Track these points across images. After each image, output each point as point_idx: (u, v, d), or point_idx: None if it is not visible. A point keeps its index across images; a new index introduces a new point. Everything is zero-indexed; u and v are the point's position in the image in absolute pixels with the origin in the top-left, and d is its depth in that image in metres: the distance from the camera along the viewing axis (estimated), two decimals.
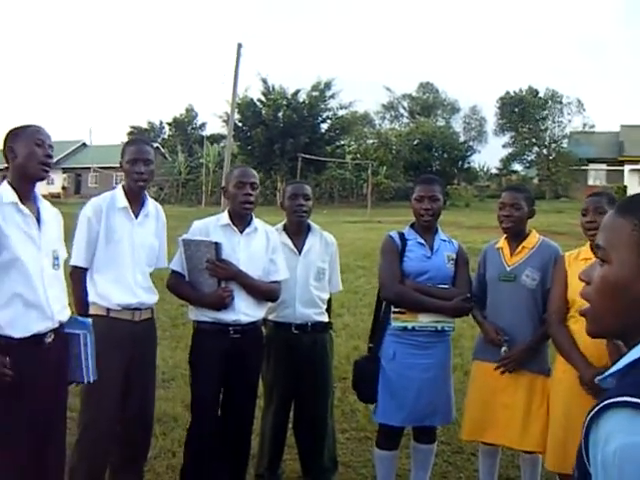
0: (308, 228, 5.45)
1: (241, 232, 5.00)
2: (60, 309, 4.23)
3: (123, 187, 4.93)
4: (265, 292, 5.06)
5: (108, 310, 4.70)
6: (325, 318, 5.45)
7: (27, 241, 4.06)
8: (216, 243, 4.83)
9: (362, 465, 5.87)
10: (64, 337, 4.27)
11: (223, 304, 4.83)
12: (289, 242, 5.37)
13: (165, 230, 5.15)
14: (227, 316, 4.86)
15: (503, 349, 4.77)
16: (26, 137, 4.13)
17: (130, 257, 4.79)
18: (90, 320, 4.48)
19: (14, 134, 4.18)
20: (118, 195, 4.87)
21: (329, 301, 5.59)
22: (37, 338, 4.03)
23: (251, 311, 4.96)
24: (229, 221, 5.00)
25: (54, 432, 4.25)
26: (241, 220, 5.03)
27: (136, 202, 4.89)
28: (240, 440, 5.12)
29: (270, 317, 5.38)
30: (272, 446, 5.45)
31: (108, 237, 4.75)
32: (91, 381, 4.39)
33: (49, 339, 4.12)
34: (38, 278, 4.07)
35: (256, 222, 5.11)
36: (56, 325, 4.17)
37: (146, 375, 4.93)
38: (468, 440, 5.34)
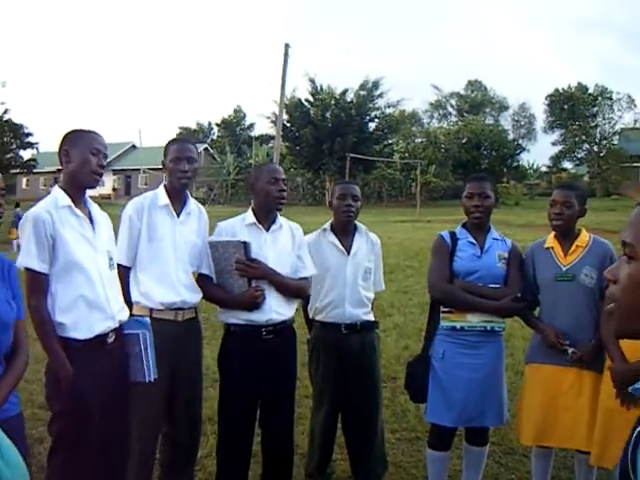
0: (355, 228, 5.43)
1: (267, 230, 4.96)
2: (119, 309, 4.29)
3: (165, 186, 4.93)
4: (295, 289, 5.03)
5: (151, 310, 4.69)
6: (372, 317, 5.44)
7: (84, 243, 4.12)
8: (245, 242, 4.78)
9: (413, 465, 5.84)
10: (123, 338, 4.32)
11: (255, 304, 4.78)
12: (337, 242, 5.36)
13: (207, 230, 5.12)
14: (259, 316, 4.81)
15: (571, 350, 4.68)
16: (83, 144, 4.16)
17: (173, 255, 4.79)
18: (148, 319, 4.50)
19: (72, 138, 4.21)
20: (160, 193, 4.89)
21: (373, 302, 5.56)
22: (100, 339, 4.09)
23: (282, 309, 4.92)
24: (254, 220, 4.95)
25: (118, 433, 4.29)
26: (266, 218, 4.98)
27: (178, 200, 4.90)
28: (281, 442, 5.08)
29: (318, 317, 5.40)
30: (322, 446, 5.44)
31: (150, 235, 4.76)
32: (152, 380, 4.41)
33: (110, 339, 4.17)
34: (97, 279, 4.13)
35: (280, 219, 5.07)
36: (117, 325, 4.22)
37: (192, 376, 4.92)
38: (528, 445, 5.27)
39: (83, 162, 4.13)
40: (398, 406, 7.13)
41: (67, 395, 3.96)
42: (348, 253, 5.33)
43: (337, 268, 5.31)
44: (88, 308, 4.05)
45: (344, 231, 5.40)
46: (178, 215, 4.86)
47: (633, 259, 1.52)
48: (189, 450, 5.01)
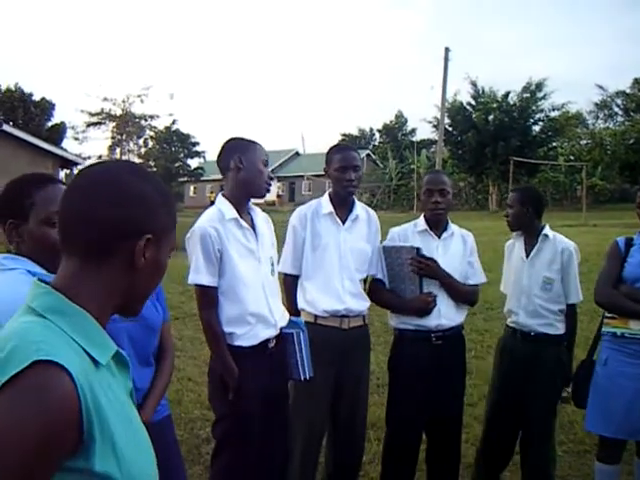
0: (539, 234, 5.24)
1: (439, 237, 4.98)
2: (280, 316, 4.38)
3: (329, 194, 4.96)
4: (466, 294, 5.03)
5: (316, 317, 4.74)
6: (554, 330, 5.16)
7: (249, 256, 4.23)
8: (417, 248, 4.82)
9: None
10: (281, 339, 4.39)
11: (427, 309, 4.79)
12: (522, 248, 5.29)
13: (379, 235, 5.12)
14: (429, 321, 4.83)
15: None
16: (254, 154, 4.27)
17: (337, 263, 4.80)
18: (302, 319, 4.59)
19: (241, 146, 4.31)
20: (324, 202, 4.92)
21: (572, 314, 5.25)
22: (262, 344, 4.21)
23: (452, 315, 4.93)
24: (426, 227, 4.98)
25: (279, 434, 4.37)
26: (437, 225, 5.00)
27: (343, 208, 4.91)
28: (448, 451, 5.05)
29: (507, 322, 5.38)
30: (493, 458, 5.38)
31: (314, 244, 4.80)
32: (307, 378, 4.46)
33: (272, 344, 4.27)
34: (261, 291, 4.24)
35: (452, 227, 5.08)
36: (278, 332, 4.32)
37: (357, 384, 4.90)
38: None
39: (257, 171, 4.24)
40: (565, 417, 6.91)
41: (232, 398, 4.05)
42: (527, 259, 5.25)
43: (516, 274, 5.27)
44: (253, 320, 4.18)
45: (529, 238, 5.28)
46: (343, 222, 4.87)
47: None
48: (351, 459, 4.99)
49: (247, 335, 4.17)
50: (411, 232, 5.03)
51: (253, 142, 4.36)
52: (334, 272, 4.79)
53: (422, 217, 5.08)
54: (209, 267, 4.09)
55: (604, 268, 4.89)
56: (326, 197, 4.96)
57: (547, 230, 5.26)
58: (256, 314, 4.19)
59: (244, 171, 4.23)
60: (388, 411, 5.13)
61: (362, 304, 4.90)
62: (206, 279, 4.12)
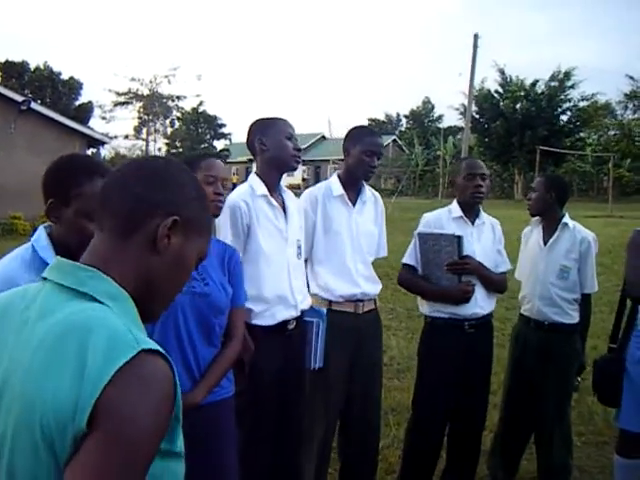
0: (559, 223, 5.26)
1: (472, 224, 4.96)
2: (302, 298, 4.35)
3: (339, 175, 4.89)
4: (498, 283, 5.03)
5: (330, 302, 4.68)
6: (568, 319, 5.19)
7: (276, 235, 4.20)
8: (458, 237, 4.78)
9: (598, 471, 5.66)
10: (303, 325, 4.38)
11: (466, 298, 4.80)
12: (539, 235, 5.33)
13: (384, 218, 5.09)
14: (466, 310, 4.83)
15: None
16: (276, 130, 4.23)
17: (350, 246, 4.74)
18: (325, 310, 4.54)
19: (263, 126, 4.29)
20: (333, 184, 4.84)
21: (586, 303, 5.32)
22: (281, 325, 4.17)
23: (485, 304, 4.93)
24: (462, 213, 4.96)
25: (293, 416, 4.36)
26: (471, 212, 4.99)
27: (353, 190, 4.84)
28: (471, 439, 5.07)
29: (521, 309, 5.41)
30: (508, 445, 5.41)
31: (326, 227, 4.74)
32: (316, 368, 4.47)
33: (291, 326, 4.25)
34: (284, 270, 4.20)
35: (483, 214, 5.07)
36: (298, 314, 4.29)
37: (371, 370, 4.87)
38: None
39: (281, 147, 4.21)
40: (585, 407, 6.91)
41: (247, 377, 4.06)
42: (545, 246, 5.26)
43: (533, 261, 5.29)
44: (273, 299, 4.14)
45: (548, 225, 5.30)
46: (354, 204, 4.82)
47: None
48: (367, 446, 4.94)
49: (264, 314, 4.11)
50: (446, 219, 5.01)
51: (274, 119, 4.34)
52: (347, 256, 4.71)
53: (455, 203, 5.04)
54: (236, 239, 4.04)
55: (631, 261, 4.75)
56: (335, 179, 4.87)
57: (567, 219, 5.27)
58: (277, 293, 4.13)
59: (268, 150, 4.22)
60: (415, 397, 5.14)
61: (375, 287, 4.87)
62: None
